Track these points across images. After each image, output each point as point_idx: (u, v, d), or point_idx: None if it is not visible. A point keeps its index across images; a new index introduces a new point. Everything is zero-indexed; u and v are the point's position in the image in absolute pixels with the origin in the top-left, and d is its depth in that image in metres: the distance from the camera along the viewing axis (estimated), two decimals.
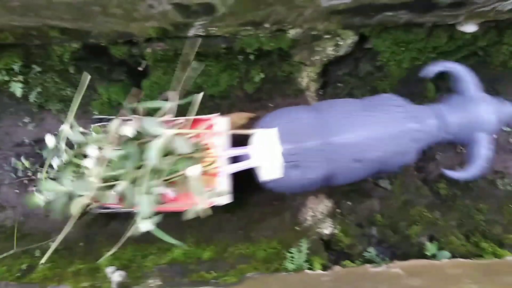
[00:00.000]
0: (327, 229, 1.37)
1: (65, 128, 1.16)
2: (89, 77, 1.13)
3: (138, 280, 1.21)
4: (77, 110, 1.50)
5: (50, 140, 1.17)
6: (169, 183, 1.14)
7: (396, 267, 1.17)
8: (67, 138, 1.17)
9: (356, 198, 1.49)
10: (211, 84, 1.40)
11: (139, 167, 1.11)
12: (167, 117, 1.15)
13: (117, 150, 1.11)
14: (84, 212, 1.21)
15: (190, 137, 1.16)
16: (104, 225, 1.46)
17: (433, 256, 1.31)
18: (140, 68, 1.32)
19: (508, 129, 1.56)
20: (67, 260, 1.30)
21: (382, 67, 1.40)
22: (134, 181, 1.11)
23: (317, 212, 1.43)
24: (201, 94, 1.12)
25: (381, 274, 1.14)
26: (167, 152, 1.13)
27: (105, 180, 1.12)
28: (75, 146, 1.19)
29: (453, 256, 1.29)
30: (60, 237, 1.15)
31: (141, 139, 1.14)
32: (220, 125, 1.18)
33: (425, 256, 1.31)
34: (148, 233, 1.15)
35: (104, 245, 1.35)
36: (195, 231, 1.39)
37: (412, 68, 1.40)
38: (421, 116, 1.15)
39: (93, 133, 1.19)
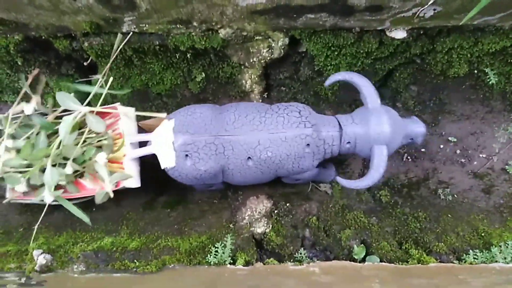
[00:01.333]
0: (260, 228, 1.38)
1: None
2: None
3: (63, 264, 1.24)
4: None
5: None
6: (82, 169, 1.18)
7: (316, 266, 1.16)
8: None
9: (296, 201, 1.49)
10: (156, 82, 1.46)
11: (47, 156, 1.14)
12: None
13: (25, 139, 1.16)
14: None
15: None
16: (49, 214, 1.51)
17: (363, 260, 1.29)
18: (85, 63, 1.39)
19: (455, 139, 1.56)
20: (1, 243, 1.34)
21: (321, 72, 1.43)
22: (43, 170, 1.15)
23: (255, 212, 1.44)
24: (111, 79, 1.17)
25: (298, 271, 1.14)
26: (76, 140, 1.17)
27: (15, 167, 1.16)
28: None
29: (382, 261, 1.27)
30: None
31: (49, 130, 1.18)
32: (126, 113, 1.24)
33: (354, 260, 1.30)
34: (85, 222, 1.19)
35: (42, 231, 1.39)
36: (132, 223, 1.42)
37: None
38: (318, 124, 1.18)
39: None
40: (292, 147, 1.15)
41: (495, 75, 1.42)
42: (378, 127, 1.15)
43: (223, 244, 1.26)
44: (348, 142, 1.19)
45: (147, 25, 1.21)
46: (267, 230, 1.37)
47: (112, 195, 1.13)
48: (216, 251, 1.24)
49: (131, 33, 1.24)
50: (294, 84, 1.51)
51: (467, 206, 1.45)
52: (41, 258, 1.22)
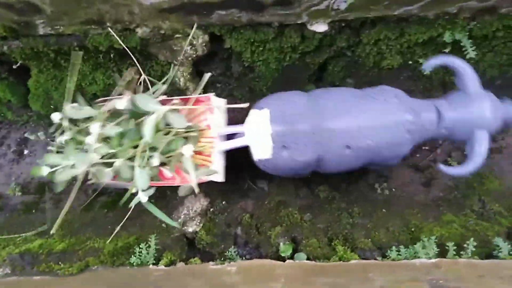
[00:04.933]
0: (192, 227, 1.38)
1: (66, 107, 1.23)
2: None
3: None
4: None
5: (56, 116, 1.24)
6: (166, 160, 1.20)
7: (234, 266, 1.16)
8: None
9: (233, 198, 1.48)
10: (89, 83, 1.46)
11: (136, 146, 1.17)
12: (163, 97, 1.25)
13: (116, 127, 1.18)
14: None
15: (189, 116, 1.24)
16: None
17: (292, 257, 1.28)
18: (14, 67, 1.39)
19: None
20: None
21: (253, 68, 1.41)
22: (130, 159, 1.17)
23: (191, 211, 1.44)
24: (208, 74, 1.24)
25: (215, 271, 1.14)
26: (165, 130, 1.19)
27: (103, 156, 1.18)
28: (79, 123, 1.26)
29: (308, 259, 1.26)
30: (65, 208, 1.22)
31: (138, 118, 1.19)
32: (217, 104, 1.24)
33: (282, 257, 1.29)
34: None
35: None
36: (68, 224, 1.43)
37: (284, 69, 1.40)
38: (417, 109, 1.15)
39: (94, 111, 1.24)
40: (393, 134, 1.12)
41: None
42: (481, 112, 1.12)
43: (147, 245, 1.26)
44: (445, 128, 1.16)
45: (62, 27, 1.20)
46: (198, 229, 1.37)
47: (197, 189, 1.14)
48: (140, 252, 1.24)
49: (49, 35, 1.24)
50: (229, 81, 1.49)
51: (404, 200, 1.43)
52: None
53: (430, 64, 1.20)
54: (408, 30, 1.25)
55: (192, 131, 1.20)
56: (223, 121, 1.26)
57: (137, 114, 1.19)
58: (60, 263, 1.24)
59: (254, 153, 1.18)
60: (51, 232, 1.21)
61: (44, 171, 1.19)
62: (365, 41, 1.29)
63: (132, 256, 1.24)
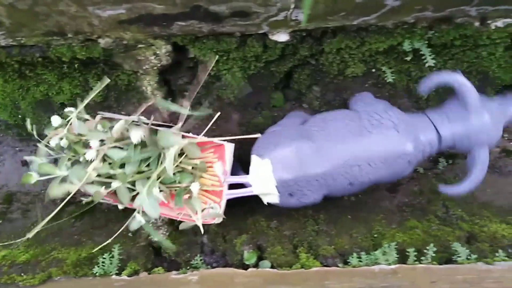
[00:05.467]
0: (158, 236, 1.38)
1: (74, 115, 1.21)
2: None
3: None
4: None
5: (55, 120, 1.23)
6: (165, 189, 1.21)
7: (196, 275, 1.16)
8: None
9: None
10: (56, 92, 1.45)
11: (138, 172, 1.18)
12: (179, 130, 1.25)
13: (120, 150, 1.18)
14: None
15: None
16: None
17: (256, 265, 1.29)
18: None
19: None
20: None
21: (219, 77, 1.42)
22: (130, 183, 1.18)
23: (159, 220, 1.44)
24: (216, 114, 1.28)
25: (175, 280, 1.14)
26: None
27: (101, 175, 1.17)
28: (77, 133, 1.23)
29: (273, 266, 1.27)
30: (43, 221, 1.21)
31: (146, 146, 1.19)
32: (228, 151, 1.26)
33: (247, 266, 1.30)
34: None
35: None
36: (34, 234, 1.42)
37: (250, 77, 1.41)
38: (415, 133, 1.15)
39: (99, 127, 1.24)
40: (393, 167, 1.15)
41: (393, 74, 1.40)
42: (480, 129, 1.11)
43: (111, 255, 1.26)
44: (446, 145, 1.18)
45: (23, 38, 1.20)
46: (164, 238, 1.37)
47: (202, 230, 1.18)
48: (103, 262, 1.24)
49: (11, 46, 1.24)
50: (196, 89, 1.50)
51: (369, 206, 1.45)
52: None
53: (426, 87, 1.18)
54: (368, 39, 1.27)
55: (198, 168, 1.23)
56: (229, 165, 1.29)
57: (144, 143, 1.19)
58: (22, 274, 1.24)
59: (264, 199, 1.25)
60: (28, 236, 1.21)
61: (34, 179, 1.18)
62: (327, 50, 1.31)
63: (96, 266, 1.24)
